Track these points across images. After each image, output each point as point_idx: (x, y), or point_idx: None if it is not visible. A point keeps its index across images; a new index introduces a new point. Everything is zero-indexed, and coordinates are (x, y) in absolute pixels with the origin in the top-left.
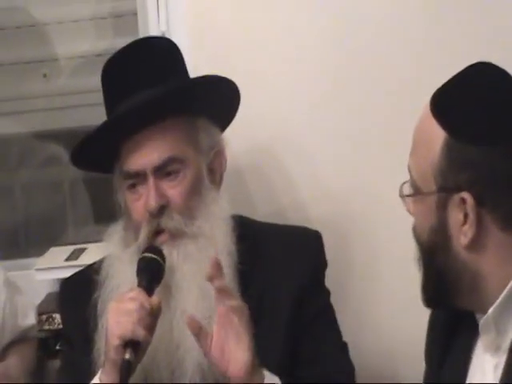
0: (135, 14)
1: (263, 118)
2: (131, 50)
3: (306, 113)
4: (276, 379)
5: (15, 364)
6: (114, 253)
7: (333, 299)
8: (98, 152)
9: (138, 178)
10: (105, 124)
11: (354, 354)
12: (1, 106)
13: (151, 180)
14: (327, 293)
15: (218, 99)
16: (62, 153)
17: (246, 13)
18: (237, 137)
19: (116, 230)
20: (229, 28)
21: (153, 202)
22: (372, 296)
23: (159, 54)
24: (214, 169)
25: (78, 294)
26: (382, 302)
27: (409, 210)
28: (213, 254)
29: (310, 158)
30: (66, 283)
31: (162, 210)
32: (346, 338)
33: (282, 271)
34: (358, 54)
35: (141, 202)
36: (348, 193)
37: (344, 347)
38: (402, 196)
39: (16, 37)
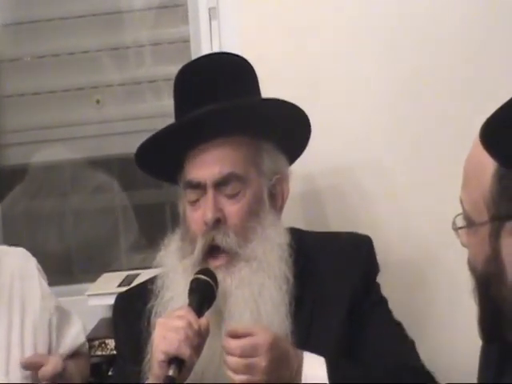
0: (188, 41)
1: (339, 138)
2: (208, 61)
3: (382, 133)
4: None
5: (73, 371)
6: (169, 263)
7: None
8: (162, 156)
9: (199, 188)
10: (173, 126)
11: None
12: (54, 132)
13: (210, 192)
14: (381, 295)
15: (288, 127)
16: (114, 179)
17: (297, 41)
18: (313, 157)
19: (173, 240)
20: (280, 56)
21: (210, 214)
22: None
23: (235, 68)
24: (276, 194)
25: (132, 305)
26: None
27: (462, 243)
28: (265, 279)
29: (386, 178)
30: (121, 296)
31: (218, 224)
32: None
33: (335, 278)
34: (429, 74)
35: (199, 213)
36: (421, 211)
37: (406, 338)
38: (455, 229)
39: (69, 63)
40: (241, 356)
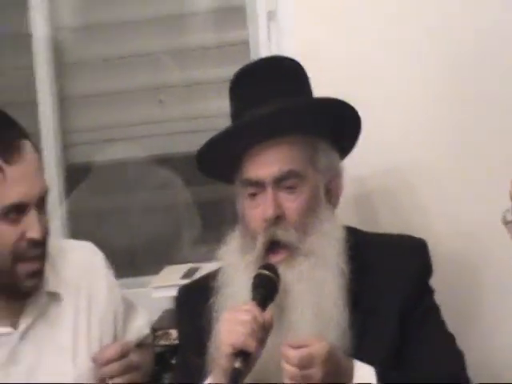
0: (246, 43)
1: (391, 142)
2: (263, 64)
3: (433, 137)
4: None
5: (139, 361)
6: (230, 260)
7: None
8: (220, 157)
9: (258, 187)
10: (232, 128)
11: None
12: (118, 131)
13: (270, 190)
14: (434, 302)
15: (340, 125)
16: (177, 176)
17: (352, 43)
18: (365, 160)
19: (233, 237)
20: (335, 56)
21: (270, 211)
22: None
23: (289, 71)
24: (331, 190)
25: (194, 298)
26: None
27: None
28: (324, 273)
29: (437, 181)
30: (183, 288)
31: (278, 220)
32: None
33: (389, 279)
34: (481, 79)
35: (258, 210)
36: (474, 214)
37: (456, 351)
38: (505, 223)
39: (134, 65)
40: (298, 366)
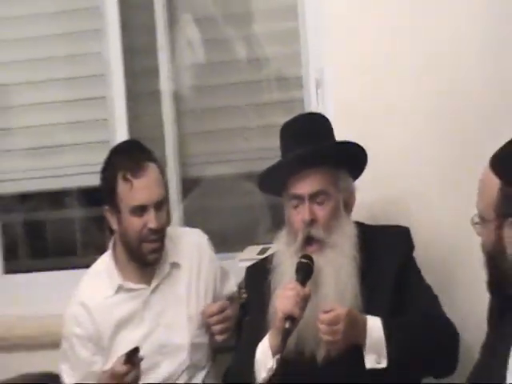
0: (302, 100)
1: (394, 174)
2: (303, 118)
3: (430, 170)
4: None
5: (231, 311)
6: (280, 249)
7: None
8: (274, 179)
9: (299, 200)
10: (283, 161)
11: None
12: (221, 156)
13: (307, 202)
14: (417, 267)
15: (354, 159)
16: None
17: (375, 103)
18: (373, 190)
19: (282, 234)
20: (362, 115)
21: (307, 217)
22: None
23: (320, 123)
24: (348, 203)
25: (257, 276)
26: None
27: (478, 233)
28: (343, 259)
29: (433, 209)
30: (250, 267)
31: (312, 223)
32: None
33: (385, 256)
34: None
35: (299, 216)
36: (465, 240)
37: (434, 297)
38: (473, 224)
39: (232, 114)
40: (328, 324)
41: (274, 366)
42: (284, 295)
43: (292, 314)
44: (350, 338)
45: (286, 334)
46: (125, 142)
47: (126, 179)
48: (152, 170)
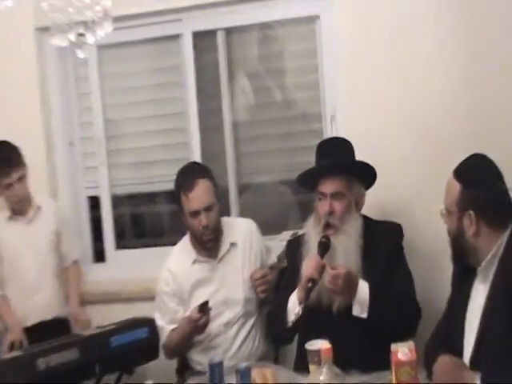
0: (321, 130)
1: (394, 187)
2: (332, 139)
3: (426, 183)
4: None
5: (272, 277)
6: (309, 230)
7: None
8: (309, 179)
9: (323, 196)
10: (316, 168)
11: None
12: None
13: (329, 199)
14: (403, 253)
15: (365, 173)
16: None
17: (383, 134)
18: (382, 192)
19: (310, 220)
20: (370, 147)
21: (327, 209)
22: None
23: (343, 144)
24: (358, 203)
25: (294, 248)
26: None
27: (445, 222)
28: (350, 241)
29: (434, 218)
30: (290, 241)
31: (331, 213)
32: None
33: (381, 242)
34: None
35: (322, 208)
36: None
37: (412, 281)
38: (441, 215)
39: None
40: (332, 277)
41: (300, 312)
42: (308, 264)
43: (313, 277)
44: (345, 291)
45: (308, 291)
46: (186, 165)
47: (184, 194)
48: (201, 184)
